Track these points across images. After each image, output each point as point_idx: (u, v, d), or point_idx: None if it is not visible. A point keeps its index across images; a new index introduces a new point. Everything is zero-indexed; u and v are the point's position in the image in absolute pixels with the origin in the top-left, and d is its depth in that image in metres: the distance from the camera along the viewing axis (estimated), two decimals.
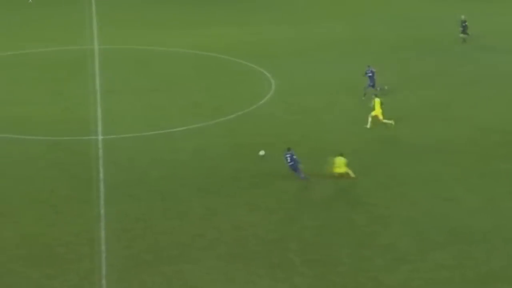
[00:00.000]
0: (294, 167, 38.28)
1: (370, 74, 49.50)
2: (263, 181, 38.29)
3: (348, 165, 38.11)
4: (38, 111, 48.31)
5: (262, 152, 40.37)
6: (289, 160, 38.24)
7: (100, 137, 43.94)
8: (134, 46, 62.92)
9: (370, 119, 44.75)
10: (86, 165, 40.38)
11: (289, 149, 38.55)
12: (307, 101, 49.66)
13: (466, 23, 62.28)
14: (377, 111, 44.75)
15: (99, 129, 45.14)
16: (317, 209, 35.86)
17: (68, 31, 67.45)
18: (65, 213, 35.42)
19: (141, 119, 46.97)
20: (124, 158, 41.02)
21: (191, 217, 35.00)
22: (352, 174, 38.17)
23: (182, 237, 33.14)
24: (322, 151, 40.38)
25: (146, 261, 31.27)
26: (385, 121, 44.68)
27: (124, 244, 32.60)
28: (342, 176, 38.15)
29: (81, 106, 49.22)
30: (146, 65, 58.32)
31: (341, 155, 38.28)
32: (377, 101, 45.19)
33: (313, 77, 54.43)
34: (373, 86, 49.27)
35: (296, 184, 38.08)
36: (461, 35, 62.42)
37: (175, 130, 45.07)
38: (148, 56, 61.08)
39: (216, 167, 39.99)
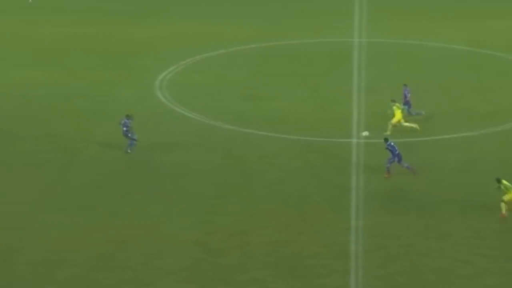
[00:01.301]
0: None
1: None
2: None
3: None
4: (291, 107, 49.73)
5: (365, 133, 41.87)
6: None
7: (356, 140, 44.59)
8: (401, 40, 62.77)
9: (390, 126, 44.90)
10: (340, 171, 41.42)
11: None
12: None
13: None
14: (398, 117, 45.03)
15: (355, 131, 45.80)
16: None
17: (333, 21, 67.44)
18: (314, 221, 36.51)
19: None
20: (381, 165, 41.30)
21: (454, 240, 34.80)
22: None
23: (442, 261, 33.04)
24: None
25: (400, 284, 31.60)
26: (406, 124, 45.10)
27: (377, 262, 33.05)
28: None
29: (338, 104, 50.31)
30: (412, 62, 58.23)
31: None
32: (397, 106, 45.39)
33: None
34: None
35: None
36: None
37: (440, 138, 44.96)
38: (416, 52, 60.97)
39: (482, 184, 39.11)
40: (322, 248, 34.22)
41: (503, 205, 36.67)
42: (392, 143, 40.42)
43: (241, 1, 72.82)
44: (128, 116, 42.97)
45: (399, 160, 40.17)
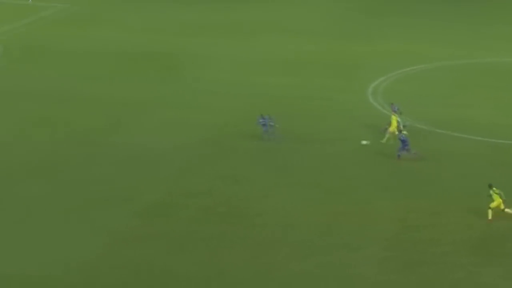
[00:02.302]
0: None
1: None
2: None
3: None
4: (483, 114, 47.50)
5: (364, 142, 39.14)
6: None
7: None
8: None
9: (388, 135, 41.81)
10: None
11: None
12: None
13: None
14: (394, 127, 41.64)
15: None
16: None
17: None
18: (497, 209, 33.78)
19: None
20: None
21: None
22: None
23: None
24: None
25: None
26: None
27: None
28: None
29: None
30: None
31: None
32: (394, 117, 41.92)
33: None
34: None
35: None
36: None
37: None
38: None
39: None
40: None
41: (489, 211, 33.10)
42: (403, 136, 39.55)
43: (439, 26, 69.99)
44: (262, 115, 42.51)
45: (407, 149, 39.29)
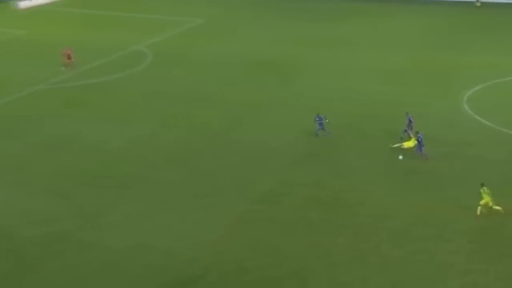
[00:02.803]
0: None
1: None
2: None
3: None
4: None
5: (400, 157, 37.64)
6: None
7: None
8: None
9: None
10: None
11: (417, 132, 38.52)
12: None
13: None
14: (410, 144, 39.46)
15: None
16: None
17: None
18: None
19: None
20: None
21: None
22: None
23: None
24: None
25: None
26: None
27: None
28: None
29: None
30: None
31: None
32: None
33: None
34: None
35: None
36: None
37: None
38: None
39: None
40: None
41: (479, 208, 32.10)
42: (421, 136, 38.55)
43: None
44: (319, 114, 42.64)
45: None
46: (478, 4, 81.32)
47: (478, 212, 32.47)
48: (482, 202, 32.45)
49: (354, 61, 60.01)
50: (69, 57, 58.15)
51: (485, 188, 32.64)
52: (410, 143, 39.76)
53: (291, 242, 30.91)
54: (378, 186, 36.33)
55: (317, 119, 42.71)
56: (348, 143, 42.09)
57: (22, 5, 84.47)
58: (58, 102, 50.06)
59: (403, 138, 41.04)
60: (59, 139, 42.99)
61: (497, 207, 32.43)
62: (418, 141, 39.02)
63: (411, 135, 40.44)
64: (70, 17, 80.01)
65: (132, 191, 35.74)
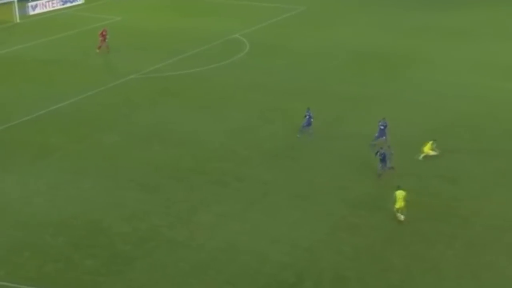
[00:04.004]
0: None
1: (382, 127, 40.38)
2: None
3: None
4: None
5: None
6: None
7: None
8: None
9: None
10: None
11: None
12: None
13: None
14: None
15: None
16: None
17: None
18: None
19: None
20: None
21: None
22: None
23: None
24: None
25: None
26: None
27: None
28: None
29: None
30: None
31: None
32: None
33: None
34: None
35: None
36: None
37: None
38: None
39: None
40: None
41: (397, 214, 32.09)
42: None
43: None
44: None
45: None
46: None
47: (401, 217, 32.02)
48: (396, 205, 32.07)
49: (473, 53, 58.39)
50: (104, 38, 60.16)
51: (401, 191, 32.07)
52: (426, 149, 39.14)
53: (395, 252, 30.31)
54: (496, 194, 35.08)
55: (306, 114, 42.21)
56: (464, 146, 40.91)
57: None
58: (150, 92, 51.32)
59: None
60: (150, 130, 44.05)
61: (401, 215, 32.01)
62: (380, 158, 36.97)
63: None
64: (165, 3, 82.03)
65: (226, 189, 36.08)
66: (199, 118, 46.17)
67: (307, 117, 42.49)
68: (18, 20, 74.72)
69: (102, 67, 57.87)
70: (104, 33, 60.90)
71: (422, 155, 39.23)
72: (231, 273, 29.05)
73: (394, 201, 32.48)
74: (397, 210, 32.46)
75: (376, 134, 40.83)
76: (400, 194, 32.41)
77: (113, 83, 53.25)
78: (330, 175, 37.65)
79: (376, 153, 37.01)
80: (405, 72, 54.94)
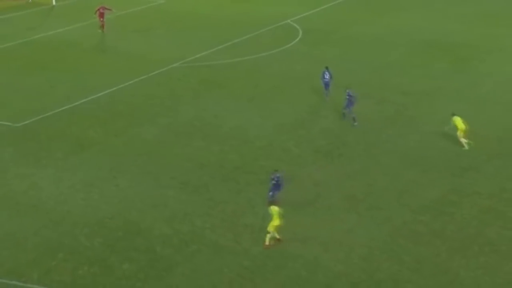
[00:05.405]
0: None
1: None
2: None
3: None
4: None
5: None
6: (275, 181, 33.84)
7: None
8: None
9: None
10: None
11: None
12: None
13: None
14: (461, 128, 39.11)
15: None
16: None
17: None
18: None
19: None
20: None
21: None
22: None
23: None
24: None
25: None
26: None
27: None
28: None
29: None
30: None
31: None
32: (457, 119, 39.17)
33: None
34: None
35: None
36: None
37: None
38: None
39: None
40: None
41: (271, 235, 30.60)
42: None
43: None
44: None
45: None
46: None
47: (277, 237, 30.67)
48: (272, 224, 30.39)
49: None
50: (101, 16, 60.59)
51: (275, 207, 30.75)
52: (459, 126, 39.25)
53: (463, 264, 29.59)
54: None
55: (347, 95, 43.10)
56: None
57: None
58: (194, 83, 51.43)
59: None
60: (192, 124, 44.08)
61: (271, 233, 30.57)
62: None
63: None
64: None
65: None
66: (246, 111, 46.05)
67: (348, 97, 42.83)
68: (54, 3, 75.90)
69: (143, 54, 58.17)
70: (101, 10, 61.13)
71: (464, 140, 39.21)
72: (279, 282, 28.79)
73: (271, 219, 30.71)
74: (275, 229, 30.62)
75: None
76: (274, 210, 30.76)
77: (154, 72, 53.52)
78: (389, 176, 37.10)
79: (272, 179, 34.47)
80: (475, 64, 53.88)
